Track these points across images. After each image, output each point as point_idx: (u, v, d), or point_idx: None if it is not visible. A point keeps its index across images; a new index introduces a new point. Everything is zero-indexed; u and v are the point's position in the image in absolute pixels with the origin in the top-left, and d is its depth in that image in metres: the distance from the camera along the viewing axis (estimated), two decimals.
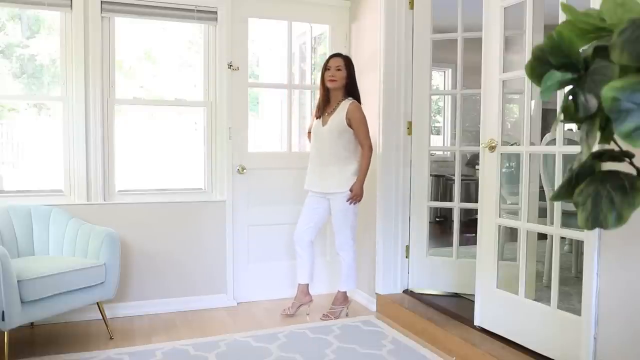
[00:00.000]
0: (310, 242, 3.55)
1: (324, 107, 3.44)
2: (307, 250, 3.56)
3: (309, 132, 3.60)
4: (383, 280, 3.61)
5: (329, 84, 3.37)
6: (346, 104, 3.35)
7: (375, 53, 3.62)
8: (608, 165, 1.11)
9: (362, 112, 3.37)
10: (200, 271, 3.73)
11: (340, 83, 3.38)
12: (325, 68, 3.39)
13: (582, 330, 2.13)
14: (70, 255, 3.18)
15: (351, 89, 3.41)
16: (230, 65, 3.72)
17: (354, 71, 3.43)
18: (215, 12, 3.69)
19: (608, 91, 0.88)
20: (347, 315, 3.53)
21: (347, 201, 3.35)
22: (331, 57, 3.45)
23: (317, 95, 3.61)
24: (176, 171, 3.99)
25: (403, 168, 3.58)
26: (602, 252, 2.06)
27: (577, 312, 2.26)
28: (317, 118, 3.48)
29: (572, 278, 3.64)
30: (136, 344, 3.03)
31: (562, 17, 2.28)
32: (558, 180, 2.55)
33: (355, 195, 3.36)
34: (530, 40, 2.59)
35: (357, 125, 3.33)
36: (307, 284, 3.59)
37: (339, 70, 3.36)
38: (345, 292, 3.56)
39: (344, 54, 3.53)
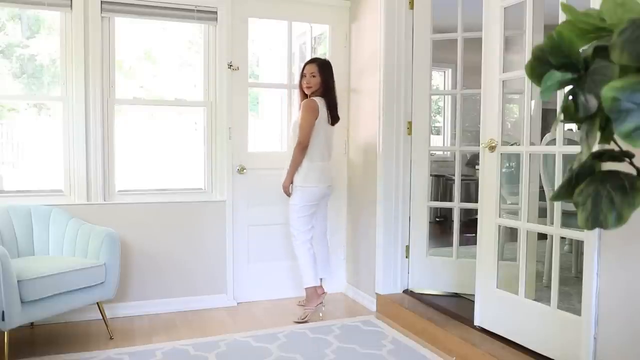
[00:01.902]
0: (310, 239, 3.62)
1: None
2: (311, 244, 3.63)
3: None
4: (383, 280, 3.61)
5: (305, 90, 3.51)
6: None
7: (375, 53, 3.62)
8: (608, 165, 1.11)
9: (307, 108, 3.42)
10: (200, 271, 3.73)
11: (315, 89, 3.49)
12: (302, 75, 3.51)
13: (582, 330, 2.13)
14: (70, 255, 3.18)
15: (325, 92, 3.50)
16: (230, 65, 3.72)
17: (329, 74, 3.51)
18: (215, 12, 3.69)
19: (608, 91, 0.88)
20: (320, 315, 3.53)
21: (292, 196, 3.50)
22: (307, 63, 3.54)
23: None
24: (176, 171, 3.99)
25: (403, 168, 3.58)
26: (602, 252, 2.06)
27: (577, 312, 2.26)
28: None
29: (572, 278, 3.64)
30: (136, 344, 3.03)
31: (562, 17, 2.28)
32: (558, 180, 2.55)
33: (283, 188, 3.51)
34: (530, 40, 2.59)
35: (300, 120, 3.44)
36: (320, 278, 3.62)
37: (313, 76, 3.47)
38: (309, 289, 3.52)
39: (322, 58, 3.65)
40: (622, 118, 0.87)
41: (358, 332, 3.23)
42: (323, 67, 3.51)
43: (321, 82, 3.48)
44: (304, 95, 3.54)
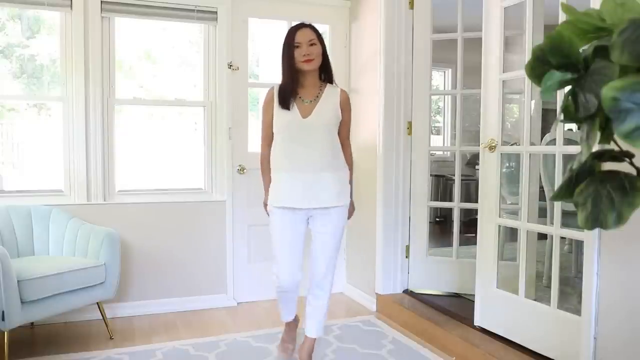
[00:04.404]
0: (299, 283, 2.70)
1: (294, 93, 2.54)
2: (297, 292, 2.75)
3: (267, 129, 2.65)
4: (383, 280, 3.61)
5: (305, 66, 2.49)
6: (334, 90, 2.62)
7: (375, 53, 3.62)
8: (608, 165, 1.11)
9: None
10: (200, 271, 3.73)
11: (318, 62, 2.53)
12: (293, 45, 2.49)
13: (582, 330, 2.13)
14: (70, 255, 3.18)
15: (325, 68, 2.61)
16: (230, 65, 3.72)
17: (324, 43, 2.59)
18: (215, 12, 3.69)
19: (608, 91, 0.88)
20: None
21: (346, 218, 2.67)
22: (296, 29, 2.53)
23: None
24: (176, 171, 3.98)
25: (403, 168, 3.58)
26: (602, 252, 2.06)
27: (577, 312, 2.26)
28: (283, 108, 2.54)
29: (572, 278, 3.64)
30: (136, 344, 3.03)
31: (562, 17, 2.28)
32: (558, 180, 2.55)
33: (353, 212, 2.74)
34: (530, 40, 2.59)
35: (348, 118, 2.66)
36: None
37: (312, 45, 2.50)
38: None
39: (307, 22, 2.61)
40: (622, 118, 0.87)
41: (358, 332, 3.23)
42: (319, 33, 2.57)
43: (322, 53, 2.56)
44: (293, 73, 2.52)
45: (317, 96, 2.57)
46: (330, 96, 2.59)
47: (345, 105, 2.63)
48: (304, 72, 2.53)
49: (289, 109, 2.52)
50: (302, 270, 2.67)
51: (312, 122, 2.53)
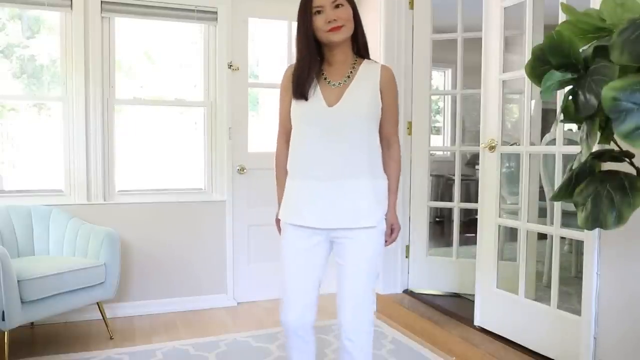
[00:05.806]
0: (313, 325, 2.10)
1: (319, 73, 1.89)
2: (312, 337, 2.13)
3: (284, 120, 2.10)
4: (383, 280, 3.60)
5: (332, 36, 1.81)
6: (373, 66, 1.92)
7: (375, 53, 3.61)
8: (608, 165, 1.11)
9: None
10: (200, 271, 3.73)
11: (350, 29, 1.84)
12: (311, 11, 1.84)
13: (582, 330, 2.13)
14: (70, 255, 3.18)
15: (361, 39, 1.93)
16: (230, 65, 3.72)
17: (353, 3, 1.89)
18: (215, 12, 3.69)
19: (608, 91, 0.88)
20: None
21: (384, 241, 1.97)
22: None
23: None
24: (176, 171, 3.98)
25: (403, 168, 3.58)
26: (602, 252, 2.06)
27: (577, 312, 2.26)
28: (299, 98, 1.88)
29: (572, 278, 3.64)
30: (136, 344, 3.03)
31: (562, 17, 2.28)
32: (558, 180, 2.55)
33: (398, 231, 2.03)
34: (530, 40, 2.59)
35: (391, 105, 1.95)
36: None
37: (339, 6, 1.81)
38: None
39: None
40: (622, 118, 0.87)
41: None
42: None
43: (354, 16, 1.86)
44: (311, 47, 1.85)
45: (349, 76, 1.89)
46: (367, 76, 1.89)
47: (388, 87, 1.91)
48: (331, 45, 1.85)
49: (306, 99, 1.86)
50: (316, 310, 2.09)
51: (340, 111, 1.85)
